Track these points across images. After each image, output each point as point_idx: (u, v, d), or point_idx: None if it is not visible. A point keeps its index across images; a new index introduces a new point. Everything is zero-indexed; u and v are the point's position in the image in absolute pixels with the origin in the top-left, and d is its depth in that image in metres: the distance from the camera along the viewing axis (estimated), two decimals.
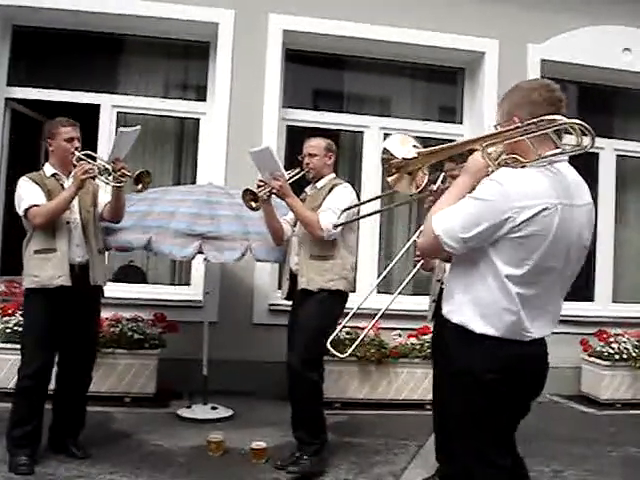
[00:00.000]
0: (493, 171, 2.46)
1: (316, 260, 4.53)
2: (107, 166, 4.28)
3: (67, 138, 4.39)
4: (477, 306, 2.44)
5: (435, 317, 4.44)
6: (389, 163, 2.67)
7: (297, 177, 4.71)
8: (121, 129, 4.43)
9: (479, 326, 2.43)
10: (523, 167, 2.42)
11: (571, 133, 2.31)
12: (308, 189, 4.85)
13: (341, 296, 4.58)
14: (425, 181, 2.69)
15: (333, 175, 4.83)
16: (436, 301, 4.36)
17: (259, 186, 4.49)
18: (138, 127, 4.45)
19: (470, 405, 2.47)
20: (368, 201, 4.29)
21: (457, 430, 2.57)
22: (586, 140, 2.28)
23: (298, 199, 4.60)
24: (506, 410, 2.50)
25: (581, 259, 2.56)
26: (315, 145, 4.76)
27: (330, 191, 4.63)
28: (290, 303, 4.85)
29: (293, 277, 4.69)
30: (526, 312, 2.42)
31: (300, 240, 4.65)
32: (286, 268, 4.83)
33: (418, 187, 2.69)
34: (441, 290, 4.28)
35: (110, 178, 4.29)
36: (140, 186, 4.33)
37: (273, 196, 4.51)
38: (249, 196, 4.50)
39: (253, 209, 4.55)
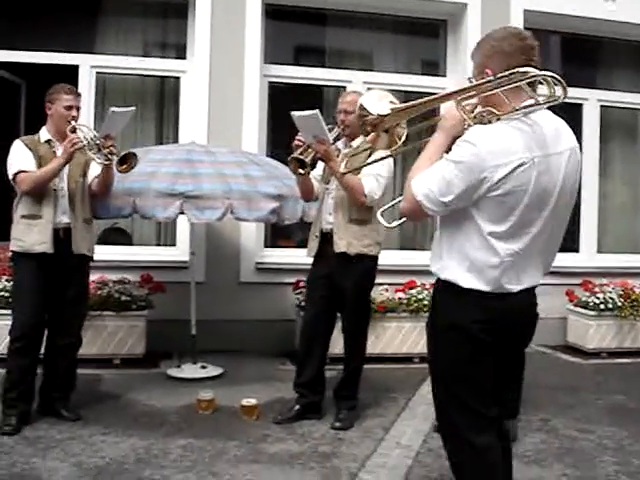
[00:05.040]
0: (470, 125, 2.45)
1: (354, 224, 4.48)
2: (97, 141, 4.26)
3: (66, 106, 4.39)
4: (463, 263, 2.46)
5: None
6: (364, 121, 2.64)
7: (337, 136, 4.57)
8: (113, 109, 4.37)
9: (466, 281, 2.45)
10: (498, 120, 2.40)
11: (542, 83, 2.30)
12: (341, 146, 4.67)
13: (377, 261, 4.69)
14: (404, 135, 2.67)
15: None
16: None
17: (297, 146, 4.35)
18: (132, 108, 4.45)
19: (456, 356, 2.49)
20: (373, 162, 4.21)
21: (441, 382, 2.60)
22: (559, 91, 2.26)
23: (340, 163, 4.41)
24: (491, 360, 2.51)
25: (569, 205, 2.56)
26: (351, 101, 4.45)
27: (370, 155, 4.33)
28: (310, 261, 4.79)
29: (323, 236, 4.63)
30: (511, 266, 2.43)
31: (338, 202, 4.53)
32: (316, 226, 4.71)
33: (397, 142, 2.67)
34: None
35: (99, 154, 4.27)
36: (124, 167, 4.30)
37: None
38: (295, 163, 4.33)
39: (302, 175, 4.41)
